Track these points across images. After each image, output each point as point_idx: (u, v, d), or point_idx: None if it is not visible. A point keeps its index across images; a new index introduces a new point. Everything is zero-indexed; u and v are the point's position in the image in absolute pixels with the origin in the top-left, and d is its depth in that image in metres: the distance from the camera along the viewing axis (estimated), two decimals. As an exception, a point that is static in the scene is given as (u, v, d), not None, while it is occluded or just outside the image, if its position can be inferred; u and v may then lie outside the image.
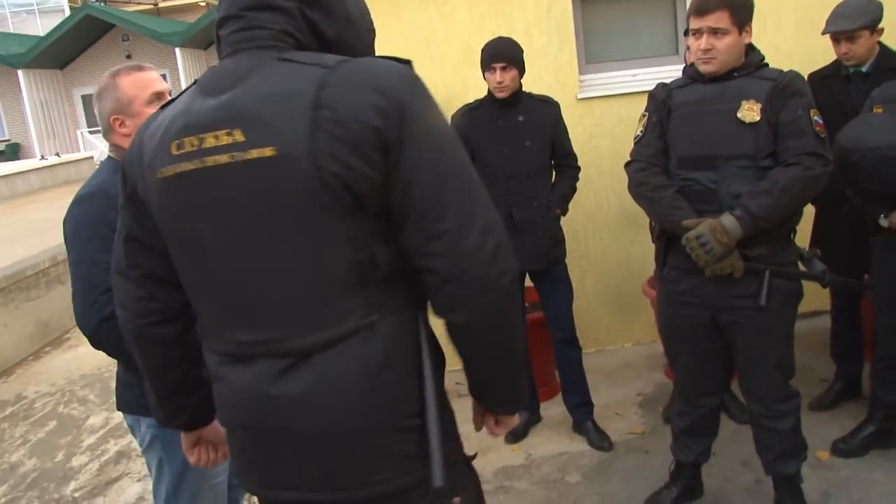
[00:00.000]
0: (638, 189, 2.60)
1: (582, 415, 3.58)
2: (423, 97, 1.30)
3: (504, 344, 1.36)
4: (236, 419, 1.42)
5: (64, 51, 23.33)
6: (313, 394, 1.30)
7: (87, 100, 24.11)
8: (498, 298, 1.28)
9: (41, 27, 27.23)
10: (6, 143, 24.61)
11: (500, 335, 1.34)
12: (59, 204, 12.63)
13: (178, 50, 21.79)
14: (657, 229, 2.67)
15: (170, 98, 2.04)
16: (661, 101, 2.62)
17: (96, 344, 1.93)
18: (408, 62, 1.33)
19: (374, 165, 1.24)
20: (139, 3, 29.54)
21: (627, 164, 2.67)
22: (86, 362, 5.67)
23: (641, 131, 2.65)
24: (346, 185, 1.23)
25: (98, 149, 21.26)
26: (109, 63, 23.30)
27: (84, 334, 1.92)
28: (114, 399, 4.84)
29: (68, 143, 23.54)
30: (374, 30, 1.47)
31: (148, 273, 1.49)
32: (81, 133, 23.00)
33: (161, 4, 30.00)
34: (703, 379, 2.70)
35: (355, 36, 1.40)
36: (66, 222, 1.99)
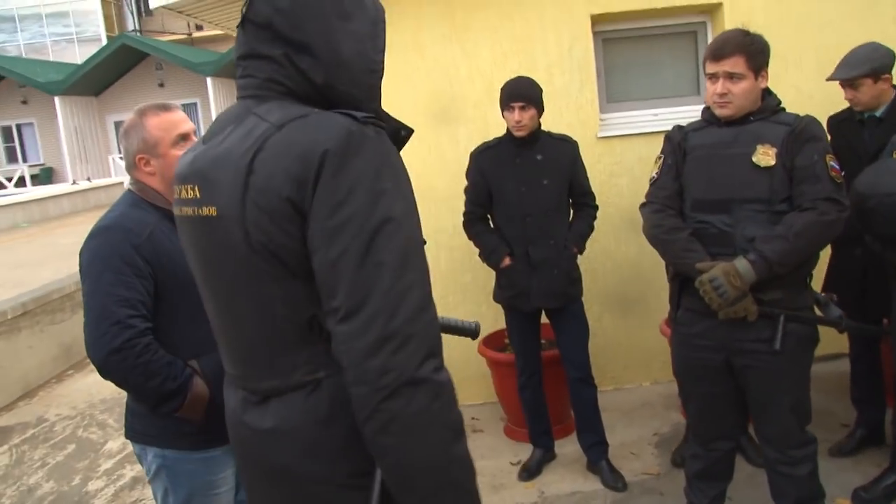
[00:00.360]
0: (652, 231, 2.61)
1: (596, 454, 3.56)
2: (349, 162, 1.18)
3: (399, 453, 1.18)
4: (231, 437, 1.51)
5: (99, 78, 23.88)
6: (275, 432, 1.33)
7: (119, 126, 24.43)
8: (375, 396, 1.15)
9: (79, 55, 27.90)
10: (41, 167, 25.14)
11: (390, 440, 1.17)
12: (87, 229, 12.76)
13: (209, 79, 22.18)
14: (671, 271, 2.67)
15: (195, 138, 2.11)
16: (676, 143, 2.63)
17: (105, 374, 1.96)
18: (364, 119, 1.23)
19: (292, 236, 1.21)
20: (173, 34, 30.19)
21: (643, 206, 2.69)
22: (106, 386, 5.69)
23: (657, 173, 2.66)
24: (272, 253, 1.23)
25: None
26: (143, 90, 23.84)
27: (93, 364, 1.96)
28: (132, 425, 4.86)
29: (100, 168, 24.01)
30: (378, 69, 1.38)
31: None
32: (113, 158, 23.46)
33: (195, 35, 30.63)
34: (717, 422, 2.68)
35: (348, 80, 1.33)
36: (83, 253, 2.03)
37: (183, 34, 30.51)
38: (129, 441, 4.59)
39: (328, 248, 1.17)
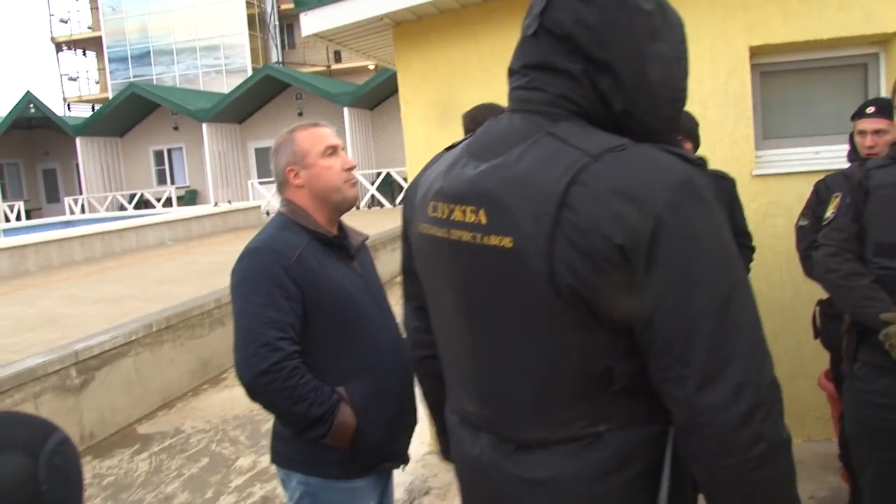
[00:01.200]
0: (827, 276, 2.39)
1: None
2: (693, 212, 1.08)
3: None
4: (463, 481, 1.40)
5: (243, 107, 25.19)
6: (546, 484, 1.22)
7: (259, 152, 25.87)
8: (745, 466, 1.08)
9: (226, 85, 29.59)
10: (186, 189, 26.71)
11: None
12: (225, 249, 13.45)
13: (346, 109, 22.95)
14: (847, 321, 2.43)
15: (344, 154, 2.07)
16: (857, 181, 2.41)
17: (252, 396, 1.95)
18: (695, 161, 1.13)
19: (615, 286, 1.09)
20: (314, 66, 31.54)
21: (815, 248, 2.48)
22: (239, 403, 5.90)
23: (833, 213, 2.45)
24: (582, 298, 1.11)
25: (265, 198, 22.61)
26: (283, 118, 24.98)
27: (242, 385, 1.95)
28: (263, 443, 4.99)
29: (240, 192, 25.23)
30: (681, 98, 1.24)
31: (421, 306, 1.49)
32: (252, 183, 24.60)
33: (333, 67, 31.90)
34: (897, 494, 2.39)
35: (650, 109, 1.19)
36: (233, 274, 2.03)
37: (322, 66, 31.84)
38: (259, 460, 4.72)
39: (681, 310, 1.07)
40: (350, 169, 2.11)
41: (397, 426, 2.10)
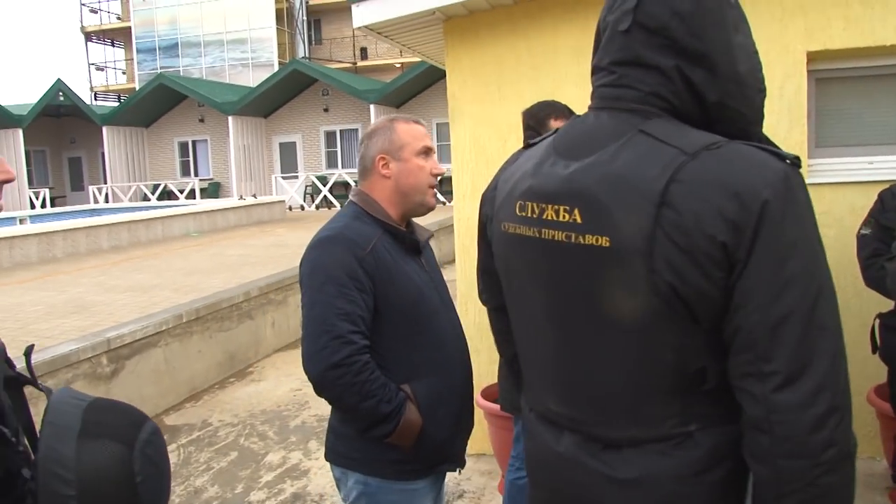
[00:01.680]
0: (903, 288, 2.31)
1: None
2: (791, 210, 1.09)
3: None
4: (540, 478, 1.39)
5: (269, 101, 25.24)
6: (636, 483, 1.21)
7: (284, 147, 25.93)
8: (813, 471, 1.07)
9: (252, 79, 29.69)
10: (209, 181, 26.80)
11: None
12: (250, 242, 13.47)
13: (372, 106, 22.93)
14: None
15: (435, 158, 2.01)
16: (936, 192, 2.33)
17: (319, 390, 1.88)
18: (791, 159, 1.13)
19: (715, 283, 1.10)
20: (340, 62, 31.58)
21: (889, 260, 2.40)
22: (266, 398, 5.86)
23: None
24: (680, 297, 1.11)
25: (289, 194, 22.64)
26: (308, 114, 25.02)
27: (308, 378, 1.89)
28: (292, 439, 4.94)
29: (263, 186, 25.29)
30: (764, 89, 1.26)
31: (498, 307, 1.53)
32: (275, 178, 24.64)
33: (359, 64, 31.92)
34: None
35: (742, 100, 1.20)
36: (304, 264, 1.97)
37: (348, 63, 31.88)
38: (288, 456, 4.68)
39: (770, 307, 1.08)
40: (437, 175, 2.05)
41: (458, 427, 2.04)
